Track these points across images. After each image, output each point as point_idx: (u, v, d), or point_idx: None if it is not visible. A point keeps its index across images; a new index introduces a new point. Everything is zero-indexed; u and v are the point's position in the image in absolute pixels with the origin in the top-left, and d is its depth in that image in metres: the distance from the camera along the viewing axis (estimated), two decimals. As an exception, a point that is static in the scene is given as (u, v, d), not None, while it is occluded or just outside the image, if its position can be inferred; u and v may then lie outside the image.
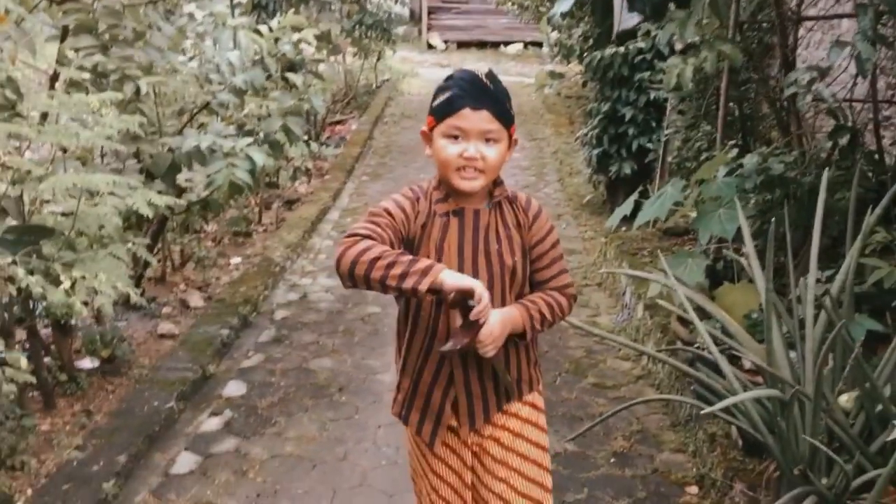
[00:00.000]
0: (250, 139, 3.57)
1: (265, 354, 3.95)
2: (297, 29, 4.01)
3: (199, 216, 4.48)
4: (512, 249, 1.74)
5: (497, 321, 1.62)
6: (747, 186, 3.23)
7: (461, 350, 1.59)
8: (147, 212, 2.69)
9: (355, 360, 3.92)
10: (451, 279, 1.51)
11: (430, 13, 18.37)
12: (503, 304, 1.73)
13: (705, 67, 2.64)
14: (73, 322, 3.28)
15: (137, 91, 3.15)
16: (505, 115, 1.67)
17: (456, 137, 1.65)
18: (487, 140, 1.65)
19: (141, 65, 3.31)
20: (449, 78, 1.73)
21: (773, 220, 2.27)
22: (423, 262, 1.52)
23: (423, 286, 1.49)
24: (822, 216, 2.46)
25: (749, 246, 2.44)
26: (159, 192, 3.51)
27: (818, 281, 2.48)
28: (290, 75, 4.12)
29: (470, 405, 1.78)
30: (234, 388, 3.62)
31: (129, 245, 3.16)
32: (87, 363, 3.44)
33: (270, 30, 3.90)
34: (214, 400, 3.51)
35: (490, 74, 1.68)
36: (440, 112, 1.68)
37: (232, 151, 3.43)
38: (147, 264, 4.25)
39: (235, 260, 5.17)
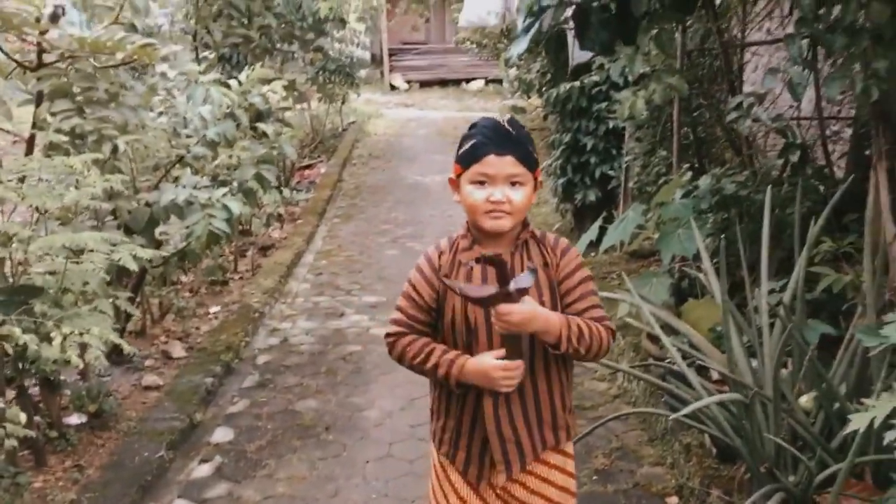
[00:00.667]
0: (225, 189, 3.69)
1: (250, 399, 4.02)
2: (265, 81, 4.15)
3: (178, 267, 4.56)
4: (539, 290, 1.74)
5: (532, 306, 1.64)
6: (703, 206, 3.41)
7: (487, 302, 1.63)
8: (133, 266, 2.78)
9: (339, 398, 4.00)
10: (473, 368, 1.70)
11: (391, 55, 18.73)
12: (532, 348, 1.75)
13: (654, 99, 2.82)
14: (60, 379, 3.33)
15: (115, 150, 3.26)
16: (529, 159, 1.73)
17: (482, 183, 1.71)
18: (513, 184, 1.70)
19: (116, 124, 3.42)
20: (473, 126, 1.81)
21: (724, 237, 2.43)
22: (450, 355, 1.73)
23: (452, 382, 1.73)
24: (772, 230, 2.64)
25: (706, 263, 2.60)
26: (141, 247, 3.63)
27: (773, 291, 2.64)
28: (259, 125, 4.26)
29: (506, 452, 1.80)
30: (222, 435, 3.68)
31: (113, 300, 3.24)
32: (75, 419, 3.49)
33: (240, 83, 4.04)
34: (203, 447, 3.57)
35: (512, 121, 1.74)
36: (466, 159, 1.74)
37: (209, 202, 3.54)
38: (129, 318, 4.31)
39: (214, 309, 5.24)
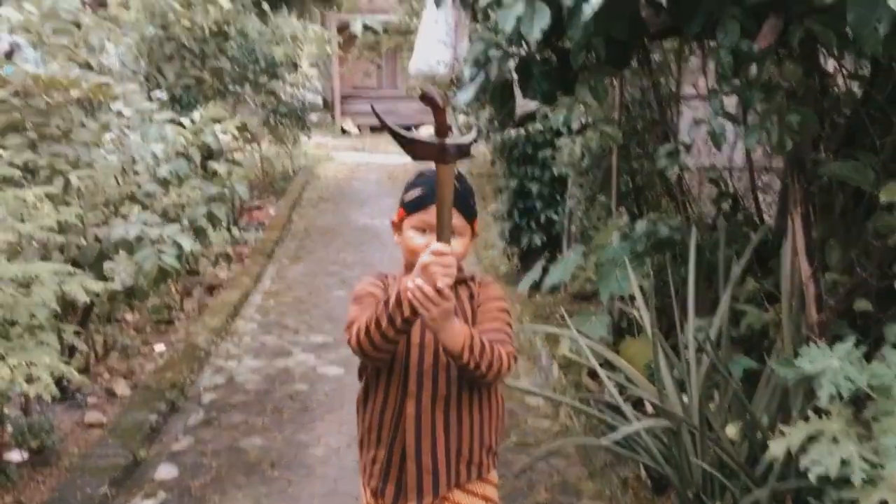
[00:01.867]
0: (177, 226, 3.73)
1: (195, 437, 4.00)
2: (217, 120, 4.23)
3: (125, 304, 4.54)
4: (464, 318, 1.86)
5: (451, 304, 1.66)
6: (639, 249, 3.59)
7: (420, 149, 1.61)
8: (83, 297, 2.80)
9: (285, 436, 4.01)
10: (408, 279, 1.68)
11: (342, 100, 18.93)
12: (454, 370, 1.84)
13: (592, 146, 3.00)
14: (3, 413, 3.29)
15: (67, 184, 3.29)
16: (469, 212, 1.87)
17: (424, 230, 1.83)
18: (452, 233, 1.74)
19: (69, 160, 3.46)
20: (420, 175, 1.93)
21: (658, 278, 2.60)
22: (391, 299, 1.71)
23: (407, 312, 1.67)
24: (703, 272, 2.81)
25: (640, 301, 2.76)
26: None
27: (701, 328, 2.81)
28: (212, 164, 4.32)
29: (420, 480, 1.87)
30: (166, 471, 3.66)
31: (60, 333, 3.24)
32: (16, 455, 3.43)
33: (193, 122, 4.12)
34: (147, 483, 3.54)
35: (457, 175, 1.83)
36: (410, 207, 1.86)
37: (159, 238, 3.58)
38: (73, 353, 4.28)
39: (160, 347, 5.20)
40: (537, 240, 6.32)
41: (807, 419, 2.13)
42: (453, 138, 1.63)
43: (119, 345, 4.92)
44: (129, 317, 5.66)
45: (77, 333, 4.22)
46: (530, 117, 6.21)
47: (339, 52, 15.80)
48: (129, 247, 3.58)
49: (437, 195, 1.66)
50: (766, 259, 3.62)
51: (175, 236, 3.61)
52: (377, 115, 1.75)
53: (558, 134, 6.05)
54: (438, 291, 1.63)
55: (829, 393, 1.95)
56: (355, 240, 8.75)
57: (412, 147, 1.66)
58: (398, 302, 1.71)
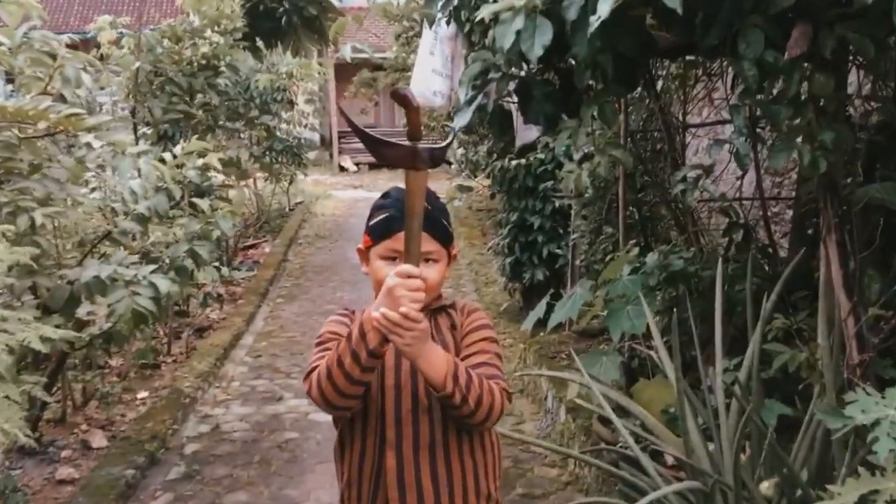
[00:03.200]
0: (154, 266, 3.48)
1: (174, 493, 3.70)
2: (201, 154, 4.01)
3: (102, 350, 4.27)
4: (445, 349, 1.63)
5: (425, 325, 1.46)
6: (651, 283, 3.33)
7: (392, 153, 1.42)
8: (41, 347, 2.53)
9: (272, 491, 3.71)
10: (371, 308, 1.47)
11: (340, 137, 18.84)
12: (438, 412, 1.61)
13: (600, 172, 2.76)
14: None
15: (34, 224, 3.05)
16: (444, 234, 1.65)
17: (394, 259, 1.59)
18: (427, 260, 1.60)
19: (37, 197, 3.21)
20: (386, 196, 1.70)
21: (676, 313, 2.33)
22: (353, 332, 1.48)
23: (373, 345, 1.45)
24: (724, 307, 2.55)
25: (657, 340, 2.49)
26: (57, 327, 3.36)
27: (727, 370, 2.54)
28: (196, 201, 4.08)
29: None
30: (141, 534, 3.36)
31: (24, 386, 2.96)
32: (-28, 519, 3.13)
33: (174, 156, 3.89)
34: (118, 548, 3.24)
35: (429, 193, 1.62)
36: (376, 233, 1.65)
37: (134, 279, 3.32)
38: (45, 405, 4.00)
39: (142, 394, 4.91)
40: (540, 275, 6.06)
41: (856, 475, 1.85)
42: (427, 143, 1.42)
43: (98, 393, 4.63)
44: (112, 362, 5.38)
45: (48, 385, 3.97)
46: (531, 149, 6.00)
47: (336, 89, 15.71)
48: (102, 288, 3.31)
49: (406, 207, 1.44)
50: (788, 293, 3.37)
51: (151, 277, 3.35)
52: (344, 115, 1.54)
53: (560, 165, 5.85)
54: (405, 316, 1.41)
55: (889, 448, 1.68)
56: (352, 278, 8.49)
57: (381, 150, 1.45)
58: (361, 334, 1.47)
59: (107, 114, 6.76)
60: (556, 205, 5.81)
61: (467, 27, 5.52)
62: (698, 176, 2.68)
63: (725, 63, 3.88)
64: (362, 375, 1.50)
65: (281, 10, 7.25)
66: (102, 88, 6.41)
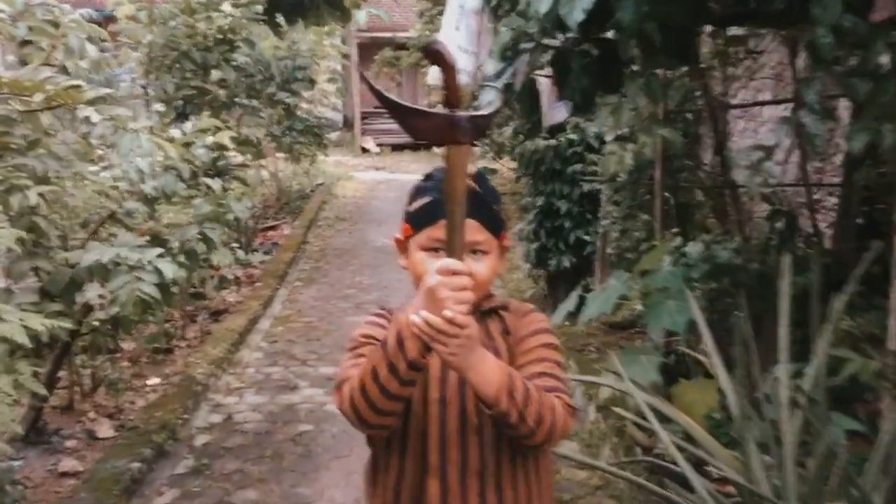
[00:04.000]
0: (160, 250, 3.27)
1: (181, 489, 3.51)
2: (211, 131, 3.78)
3: (109, 336, 4.08)
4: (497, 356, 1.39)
5: (474, 330, 1.20)
6: (693, 275, 3.07)
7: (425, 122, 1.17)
8: (24, 340, 2.34)
9: (284, 489, 3.51)
10: (410, 311, 1.22)
11: (363, 118, 18.59)
12: (490, 432, 1.38)
13: (645, 153, 2.50)
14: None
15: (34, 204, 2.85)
16: (494, 222, 1.41)
17: (437, 250, 1.36)
18: (475, 251, 1.37)
19: (34, 174, 3.01)
20: (428, 177, 1.46)
21: (735, 311, 2.08)
22: (389, 339, 1.25)
23: (412, 354, 1.22)
24: (762, 305, 2.29)
25: (708, 342, 2.24)
26: (58, 313, 3.17)
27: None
28: (206, 180, 3.87)
29: None
30: (144, 533, 3.18)
31: (19, 376, 2.77)
32: (-34, 516, 2.96)
33: (184, 133, 3.67)
34: (119, 549, 3.06)
35: (477, 174, 1.40)
36: (417, 220, 1.42)
37: (138, 264, 3.11)
38: (49, 393, 3.82)
39: (153, 381, 4.74)
40: (566, 262, 5.81)
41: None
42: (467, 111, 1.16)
43: (108, 379, 4.46)
44: (125, 345, 5.22)
45: (53, 372, 3.80)
46: (559, 129, 5.72)
47: (357, 68, 15.45)
48: (104, 272, 3.11)
49: (446, 190, 1.18)
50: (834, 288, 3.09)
51: (157, 262, 3.14)
52: (369, 85, 1.28)
53: (590, 147, 5.57)
54: (450, 321, 1.16)
55: None
56: (372, 261, 8.28)
57: (412, 121, 1.20)
58: (399, 341, 1.23)
59: (125, 91, 6.57)
60: (585, 189, 5.54)
61: (493, 0, 5.25)
62: (760, 159, 2.40)
63: (780, 35, 3.58)
64: (401, 390, 1.26)
65: (302, -17, 6.99)
66: (121, 65, 6.24)
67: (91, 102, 3.00)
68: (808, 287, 2.41)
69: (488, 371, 1.24)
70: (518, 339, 1.43)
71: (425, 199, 1.41)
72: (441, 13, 12.15)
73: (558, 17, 2.18)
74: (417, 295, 1.24)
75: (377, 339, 1.37)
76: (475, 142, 1.20)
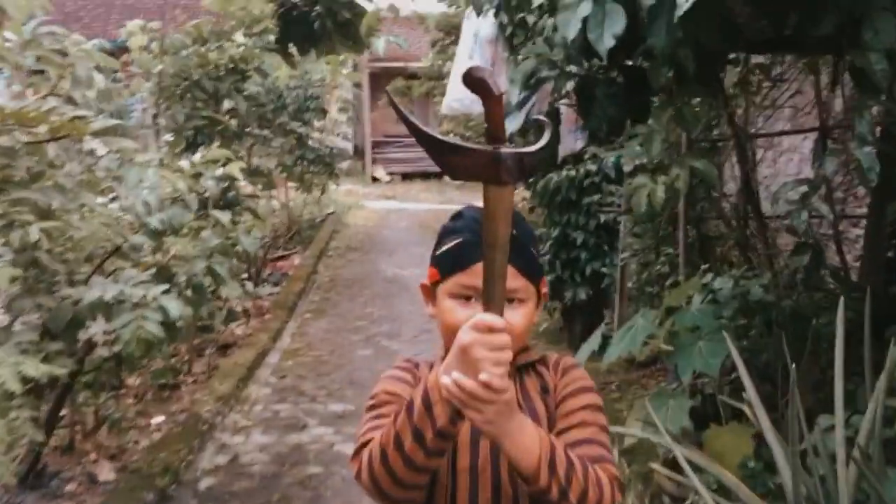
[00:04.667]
0: (165, 286, 3.14)
1: (185, 537, 3.36)
2: (221, 162, 3.68)
3: (113, 374, 3.95)
4: (536, 421, 1.23)
5: (511, 395, 1.05)
6: (724, 314, 2.91)
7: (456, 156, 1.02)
8: (16, 388, 2.20)
9: (292, 537, 3.35)
10: (439, 372, 1.07)
11: (373, 147, 18.59)
12: (526, 498, 1.22)
13: (678, 186, 2.36)
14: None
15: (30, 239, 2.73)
16: (532, 267, 1.26)
17: (469, 298, 1.22)
18: (510, 300, 1.21)
19: (37, 208, 2.90)
20: (457, 217, 1.31)
21: (764, 351, 1.93)
22: (416, 403, 1.09)
23: (441, 422, 1.06)
24: (797, 345, 2.14)
25: (749, 387, 2.07)
26: (57, 352, 3.04)
27: (830, 427, 2.11)
28: (216, 213, 3.75)
29: None
30: (145, 585, 3.01)
31: (14, 420, 2.64)
32: (-44, 569, 2.81)
33: (193, 164, 3.56)
34: None
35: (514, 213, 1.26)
36: (446, 265, 1.26)
37: (143, 301, 2.98)
38: (49, 435, 3.68)
39: (158, 419, 4.59)
40: (582, 294, 5.65)
41: None
42: (512, 147, 1.01)
43: (110, 419, 4.31)
44: (130, 381, 5.08)
45: (53, 412, 3.66)
46: (576, 158, 5.60)
47: (369, 99, 15.46)
48: (107, 310, 2.98)
49: (484, 235, 1.03)
50: (879, 329, 2.92)
51: (162, 299, 3.01)
52: (396, 108, 1.13)
53: (606, 178, 5.44)
54: (486, 385, 1.00)
55: None
56: (383, 291, 8.15)
57: (452, 157, 1.03)
58: (426, 405, 1.07)
59: (136, 121, 6.51)
60: (601, 220, 5.40)
61: (508, 30, 5.14)
62: (806, 193, 2.26)
63: (803, 64, 3.46)
64: (427, 461, 1.10)
65: (314, 14, 6.96)
66: (133, 95, 6.18)
67: (96, 134, 2.90)
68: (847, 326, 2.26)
69: (526, 440, 1.08)
70: (559, 399, 1.28)
71: (455, 241, 1.25)
72: (453, 43, 12.14)
73: (585, 44, 2.06)
74: (449, 353, 1.09)
75: (401, 398, 1.23)
76: (520, 180, 1.05)
